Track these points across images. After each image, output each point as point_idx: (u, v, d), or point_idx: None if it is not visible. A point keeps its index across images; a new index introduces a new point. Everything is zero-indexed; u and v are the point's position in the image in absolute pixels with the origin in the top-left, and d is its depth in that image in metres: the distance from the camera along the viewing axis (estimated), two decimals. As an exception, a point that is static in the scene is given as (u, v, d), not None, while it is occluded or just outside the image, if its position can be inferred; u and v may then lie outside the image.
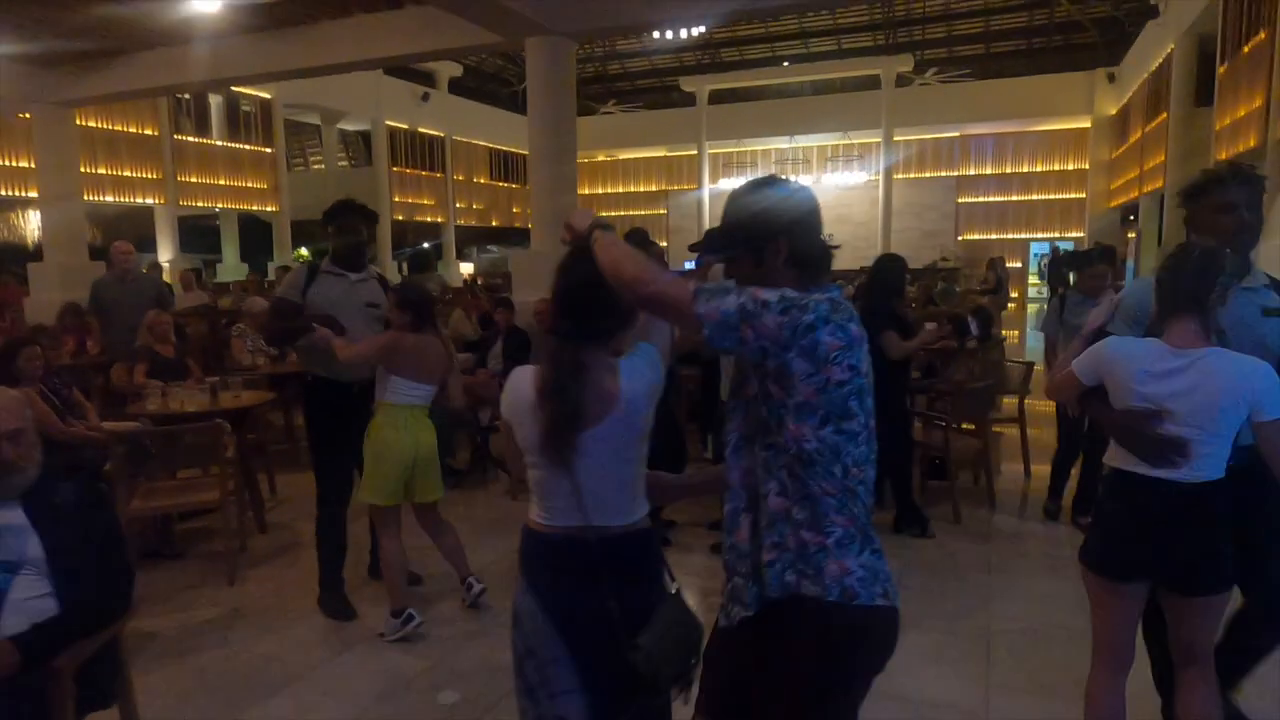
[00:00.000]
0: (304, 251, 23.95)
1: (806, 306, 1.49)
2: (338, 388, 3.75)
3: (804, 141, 24.41)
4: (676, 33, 18.45)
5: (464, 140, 23.87)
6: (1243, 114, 11.23)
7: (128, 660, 2.44)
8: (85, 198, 11.83)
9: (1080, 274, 5.34)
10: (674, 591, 1.82)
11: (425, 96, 21.40)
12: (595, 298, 1.71)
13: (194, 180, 17.35)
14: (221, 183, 17.95)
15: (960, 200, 23.19)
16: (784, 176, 1.75)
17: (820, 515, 1.54)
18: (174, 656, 3.38)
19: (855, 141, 23.73)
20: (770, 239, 1.61)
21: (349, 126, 23.72)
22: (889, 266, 4.92)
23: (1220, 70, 12.45)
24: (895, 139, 22.47)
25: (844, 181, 23.62)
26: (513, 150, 25.78)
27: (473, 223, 24.82)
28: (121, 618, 2.29)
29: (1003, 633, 3.51)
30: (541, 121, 7.38)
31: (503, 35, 7.30)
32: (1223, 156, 12.02)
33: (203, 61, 8.55)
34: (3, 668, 1.96)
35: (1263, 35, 10.52)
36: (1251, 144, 10.75)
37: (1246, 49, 11.23)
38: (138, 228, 17.10)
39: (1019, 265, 22.13)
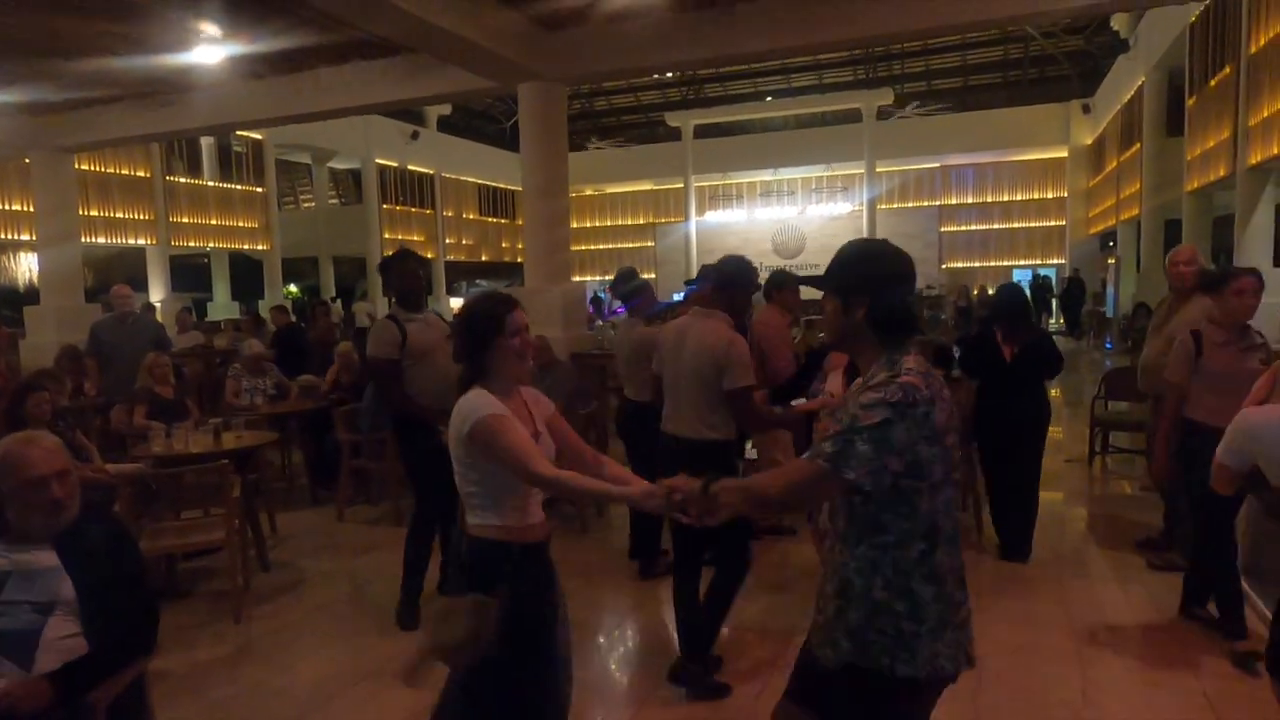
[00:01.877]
0: (294, 289, 24.03)
1: (915, 401, 1.58)
2: (426, 425, 3.90)
3: (788, 174, 24.82)
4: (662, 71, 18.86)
5: (453, 177, 24.17)
6: (1212, 144, 11.59)
7: (151, 699, 2.52)
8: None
9: (1224, 294, 3.69)
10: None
11: (415, 135, 21.68)
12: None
13: (186, 220, 17.53)
14: (213, 222, 18.13)
15: (943, 229, 23.56)
16: (884, 240, 1.89)
17: (919, 605, 1.70)
18: (187, 694, 3.44)
19: (839, 173, 24.15)
20: (854, 293, 1.74)
21: (339, 165, 23.98)
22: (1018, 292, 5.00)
23: (1189, 102, 12.84)
24: (878, 170, 22.90)
25: (828, 212, 23.97)
26: (501, 186, 26.10)
27: (462, 258, 25.05)
28: (147, 655, 2.37)
29: (992, 655, 3.60)
30: (534, 162, 7.59)
31: (497, 81, 7.51)
32: (1195, 185, 12.38)
33: (202, 108, 8.73)
34: (37, 704, 2.04)
35: (1228, 70, 10.90)
36: (1222, 173, 11.09)
37: (1213, 83, 11.61)
38: (129, 268, 17.20)
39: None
